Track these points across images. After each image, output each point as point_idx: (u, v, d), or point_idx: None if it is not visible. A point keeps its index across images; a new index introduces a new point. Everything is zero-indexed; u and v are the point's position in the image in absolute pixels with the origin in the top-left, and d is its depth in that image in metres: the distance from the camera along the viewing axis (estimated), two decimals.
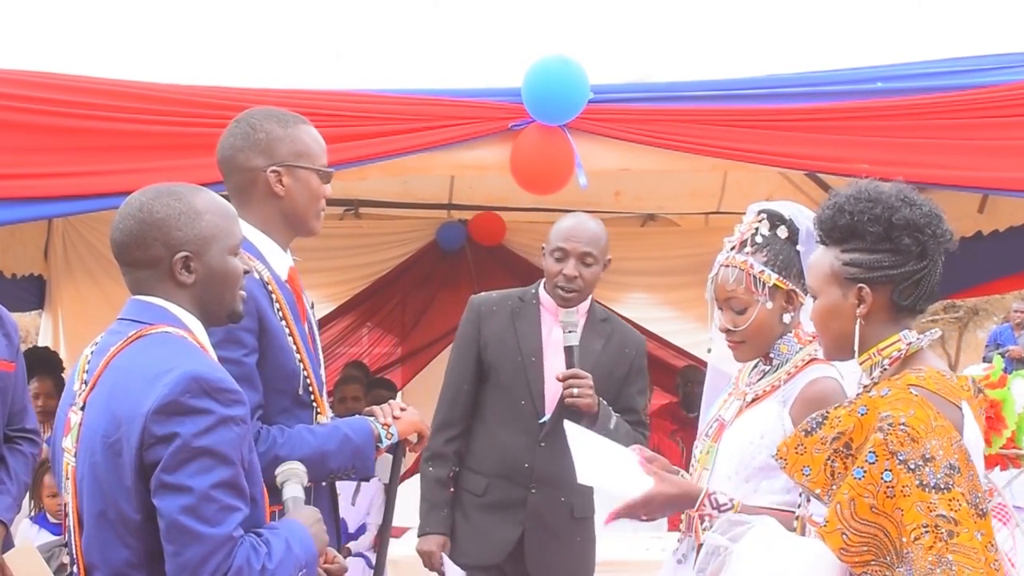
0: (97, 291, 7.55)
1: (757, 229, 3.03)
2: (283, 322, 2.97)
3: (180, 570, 2.21)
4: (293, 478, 2.65)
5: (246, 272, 2.54)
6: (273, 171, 3.02)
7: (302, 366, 3.00)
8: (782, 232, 3.02)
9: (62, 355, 6.86)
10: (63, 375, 6.75)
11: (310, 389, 3.03)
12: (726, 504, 2.91)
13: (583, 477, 3.02)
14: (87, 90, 4.46)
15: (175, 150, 4.44)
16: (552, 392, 4.06)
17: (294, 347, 2.98)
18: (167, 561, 2.22)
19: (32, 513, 5.38)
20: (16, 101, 4.38)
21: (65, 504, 2.42)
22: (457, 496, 4.18)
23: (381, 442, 3.05)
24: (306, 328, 3.08)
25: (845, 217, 2.43)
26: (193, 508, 2.20)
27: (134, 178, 4.35)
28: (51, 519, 5.30)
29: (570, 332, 4.01)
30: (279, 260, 3.05)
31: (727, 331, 3.05)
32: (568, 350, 4.00)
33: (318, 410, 3.06)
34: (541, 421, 4.04)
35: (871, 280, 2.41)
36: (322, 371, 3.16)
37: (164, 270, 2.41)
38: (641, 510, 2.92)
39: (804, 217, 3.03)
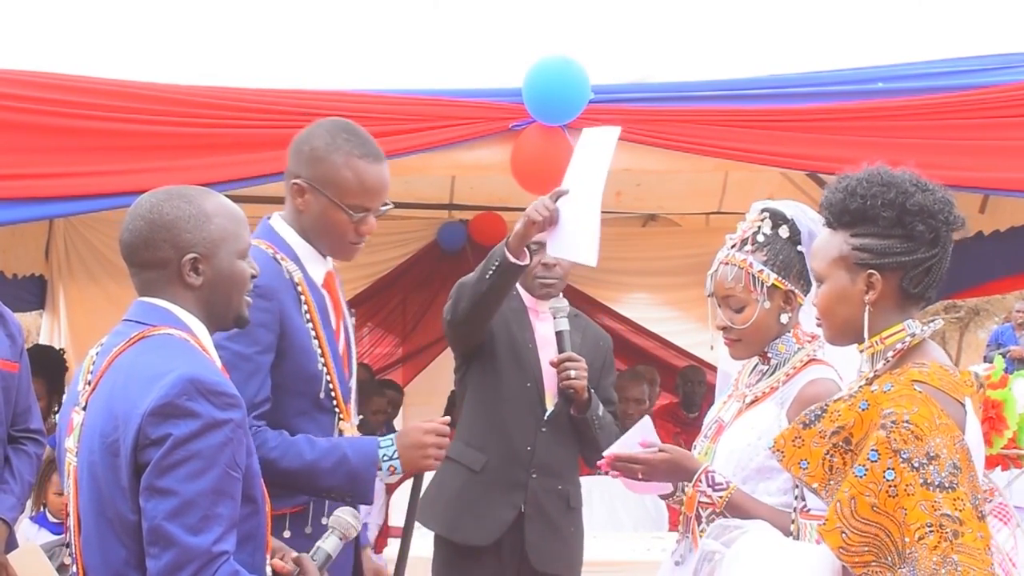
0: (98, 291, 7.57)
1: (759, 228, 3.01)
2: (309, 325, 2.95)
3: (157, 574, 2.21)
4: (336, 531, 2.60)
5: (253, 276, 2.53)
6: (295, 184, 3.00)
7: (325, 370, 2.96)
8: (784, 232, 3.01)
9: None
10: (67, 374, 6.78)
11: (333, 395, 2.99)
12: (722, 484, 2.91)
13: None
14: (87, 90, 4.46)
15: (175, 150, 4.44)
16: (549, 380, 4.09)
17: (319, 351, 2.95)
18: (148, 562, 2.23)
19: (33, 513, 5.37)
20: (16, 101, 4.38)
21: (67, 504, 2.43)
22: (453, 470, 4.13)
23: (383, 469, 2.93)
24: (341, 335, 3.06)
25: (857, 201, 2.37)
26: (176, 513, 2.19)
27: (134, 178, 4.36)
28: (51, 518, 5.29)
29: (560, 317, 4.05)
30: (316, 265, 3.03)
31: (724, 328, 3.05)
32: (559, 335, 4.03)
33: (341, 416, 3.02)
34: (548, 413, 4.07)
35: (882, 266, 2.35)
36: (352, 380, 3.12)
37: (172, 271, 2.41)
38: (643, 463, 2.98)
39: (807, 218, 3.03)
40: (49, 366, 6.37)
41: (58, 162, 4.40)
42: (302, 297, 2.95)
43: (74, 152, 4.41)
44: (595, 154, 3.70)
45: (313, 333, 2.95)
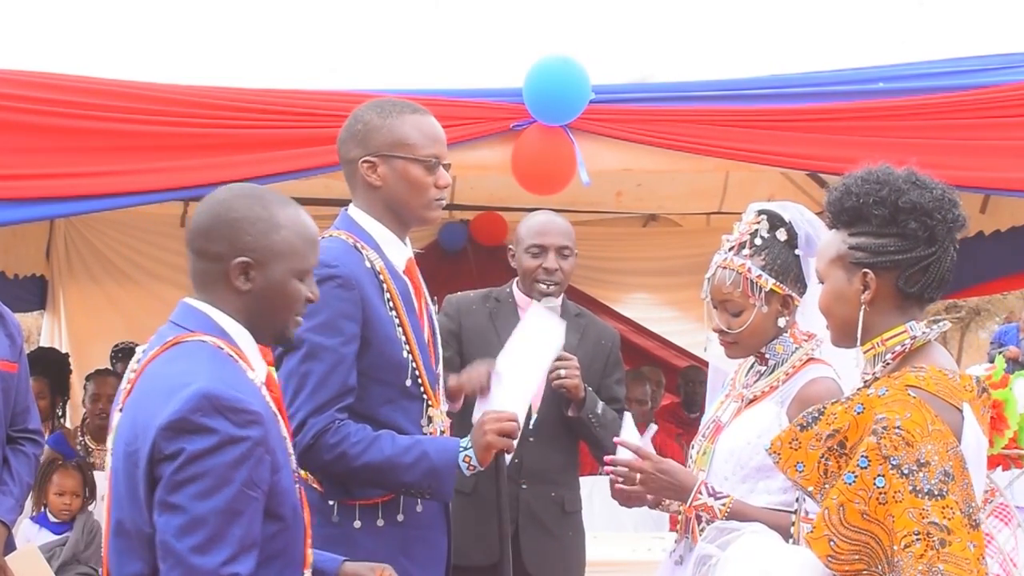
0: (99, 291, 7.57)
1: (756, 231, 2.99)
2: (393, 312, 2.97)
3: None
4: None
5: (310, 301, 2.43)
6: (366, 161, 3.01)
7: (411, 358, 2.98)
8: (781, 235, 2.99)
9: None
10: (70, 376, 6.80)
11: (420, 381, 3.01)
12: (722, 494, 2.91)
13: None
14: (87, 90, 4.46)
15: (175, 150, 4.44)
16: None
17: (403, 338, 2.97)
18: None
19: (34, 513, 5.37)
20: (16, 101, 4.38)
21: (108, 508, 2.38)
22: None
23: (461, 465, 2.94)
24: (424, 321, 3.08)
25: (852, 199, 2.35)
26: (184, 531, 2.14)
27: (135, 178, 4.36)
28: (52, 519, 5.30)
29: None
30: (396, 251, 3.05)
31: (721, 332, 3.04)
32: None
33: (430, 403, 3.04)
34: (532, 421, 4.02)
35: (876, 265, 2.32)
36: (438, 365, 3.14)
37: (222, 269, 2.33)
38: (642, 472, 2.97)
39: (804, 220, 3.01)
40: (52, 367, 6.39)
41: (58, 162, 4.40)
42: (384, 285, 2.97)
43: (74, 152, 4.41)
44: (541, 338, 3.61)
45: (397, 321, 2.97)
